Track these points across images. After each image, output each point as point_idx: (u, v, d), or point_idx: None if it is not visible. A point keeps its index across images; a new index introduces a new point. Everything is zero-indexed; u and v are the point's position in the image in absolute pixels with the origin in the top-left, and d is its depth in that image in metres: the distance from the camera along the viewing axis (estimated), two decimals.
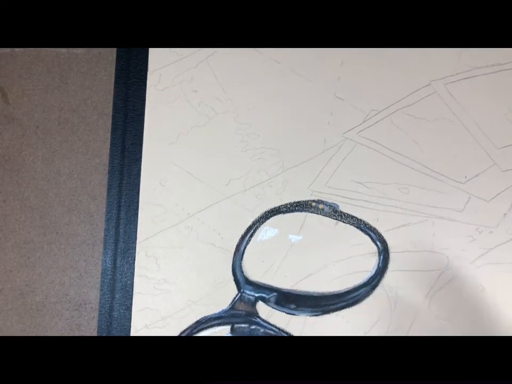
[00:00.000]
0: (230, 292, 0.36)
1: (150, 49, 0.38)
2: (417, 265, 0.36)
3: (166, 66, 0.38)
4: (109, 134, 0.38)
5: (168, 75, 0.38)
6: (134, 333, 0.36)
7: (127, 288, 0.37)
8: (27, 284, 0.37)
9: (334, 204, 0.37)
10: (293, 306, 0.36)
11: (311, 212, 0.37)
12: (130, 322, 0.36)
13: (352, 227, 0.37)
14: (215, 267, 0.37)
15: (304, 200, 0.37)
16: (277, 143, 0.37)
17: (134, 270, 0.37)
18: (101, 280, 0.37)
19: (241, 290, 0.36)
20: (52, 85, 0.39)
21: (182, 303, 0.36)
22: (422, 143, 0.37)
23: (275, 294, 0.36)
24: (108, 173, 0.38)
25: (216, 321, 0.36)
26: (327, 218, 0.37)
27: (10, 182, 0.38)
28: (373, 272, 0.36)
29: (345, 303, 0.36)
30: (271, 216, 0.37)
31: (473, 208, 0.36)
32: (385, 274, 0.36)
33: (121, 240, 0.37)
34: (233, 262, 0.37)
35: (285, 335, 0.36)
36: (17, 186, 0.38)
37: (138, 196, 0.37)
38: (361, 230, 0.36)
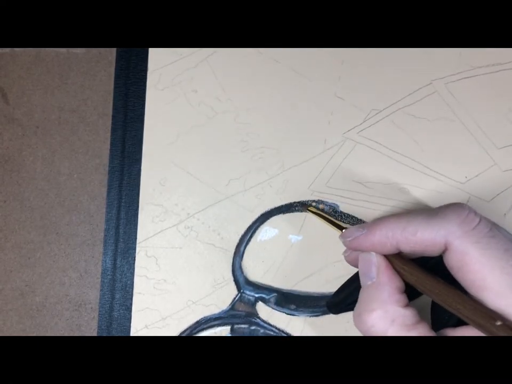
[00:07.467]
0: (230, 292, 0.36)
1: (150, 49, 0.38)
2: None
3: (166, 66, 0.38)
4: (109, 134, 0.38)
5: (168, 75, 0.38)
6: (134, 333, 0.36)
7: (127, 288, 0.37)
8: (27, 284, 0.38)
9: (334, 203, 0.37)
10: (293, 306, 0.36)
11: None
12: (130, 323, 0.36)
13: None
14: (215, 267, 0.37)
15: (304, 200, 0.37)
16: (277, 143, 0.37)
17: (134, 270, 0.37)
18: (101, 280, 0.37)
19: (241, 290, 0.36)
20: (52, 85, 0.39)
21: (182, 304, 0.36)
22: (422, 143, 0.37)
23: (275, 294, 0.36)
24: (108, 173, 0.38)
25: (216, 322, 0.36)
26: None
27: (10, 182, 0.38)
28: None
29: None
30: (271, 216, 0.37)
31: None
32: None
33: (121, 240, 0.37)
34: (233, 262, 0.37)
35: (285, 335, 0.36)
36: (17, 187, 0.38)
37: (138, 196, 0.37)
38: None
